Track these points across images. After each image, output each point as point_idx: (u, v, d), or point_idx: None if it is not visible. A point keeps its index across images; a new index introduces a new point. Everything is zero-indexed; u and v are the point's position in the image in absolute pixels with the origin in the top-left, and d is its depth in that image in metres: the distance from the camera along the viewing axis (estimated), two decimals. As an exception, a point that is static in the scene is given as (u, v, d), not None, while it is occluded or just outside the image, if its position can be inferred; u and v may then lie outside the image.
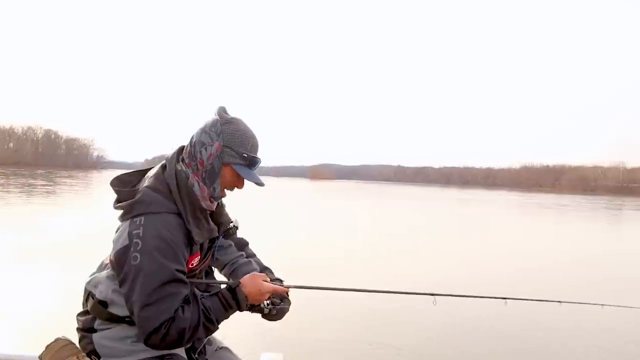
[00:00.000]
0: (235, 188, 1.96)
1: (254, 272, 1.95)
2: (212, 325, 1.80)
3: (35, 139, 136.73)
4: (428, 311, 6.32)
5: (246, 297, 1.84)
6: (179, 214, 1.82)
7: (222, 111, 1.90)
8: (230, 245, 2.26)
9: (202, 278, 2.05)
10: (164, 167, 1.91)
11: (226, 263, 2.25)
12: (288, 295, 2.05)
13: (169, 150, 1.97)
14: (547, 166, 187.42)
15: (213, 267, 2.20)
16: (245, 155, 1.89)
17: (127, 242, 1.73)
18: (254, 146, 1.92)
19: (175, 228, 1.78)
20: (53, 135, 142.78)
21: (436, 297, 2.20)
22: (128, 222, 1.78)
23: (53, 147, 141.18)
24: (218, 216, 2.07)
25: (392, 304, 6.71)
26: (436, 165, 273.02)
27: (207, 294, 1.89)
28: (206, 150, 1.85)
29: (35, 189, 30.70)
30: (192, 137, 1.89)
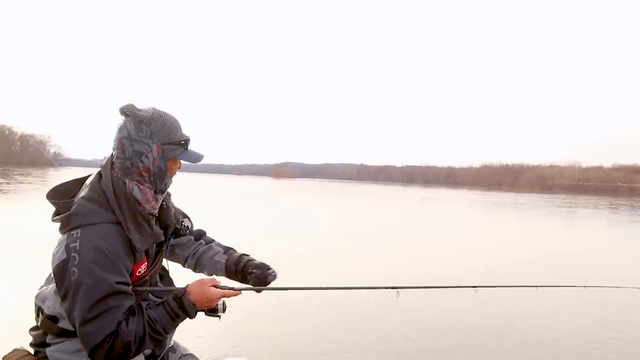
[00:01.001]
0: (177, 170, 1.98)
1: (202, 278, 1.91)
2: (159, 335, 1.76)
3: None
4: (394, 305, 6.26)
5: (194, 304, 1.81)
6: (118, 223, 1.77)
7: (134, 109, 1.84)
8: (190, 239, 2.26)
9: (155, 283, 2.02)
10: (100, 175, 1.86)
11: (187, 256, 2.26)
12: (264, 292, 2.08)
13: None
14: (507, 165, 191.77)
15: (168, 269, 2.17)
16: (183, 141, 1.91)
17: (64, 256, 1.69)
18: (180, 127, 1.92)
19: (113, 238, 1.74)
20: (7, 132, 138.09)
21: (399, 289, 2.19)
22: (66, 235, 1.74)
23: (7, 144, 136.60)
24: (164, 219, 2.04)
25: (357, 300, 6.66)
26: (398, 164, 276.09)
27: (155, 302, 1.86)
28: (147, 157, 1.82)
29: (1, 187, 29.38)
30: (121, 150, 1.82)
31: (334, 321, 5.88)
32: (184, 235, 2.23)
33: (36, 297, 1.89)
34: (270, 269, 2.14)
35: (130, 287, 1.78)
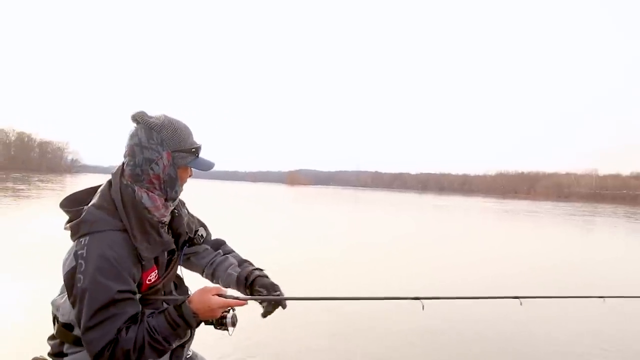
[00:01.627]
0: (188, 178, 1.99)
1: (205, 287, 1.85)
2: (159, 345, 1.73)
3: (7, 141, 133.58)
4: (414, 316, 6.19)
5: (194, 313, 1.76)
6: (126, 231, 1.78)
7: (145, 117, 1.85)
8: (206, 249, 2.26)
9: (170, 292, 2.03)
10: (110, 183, 1.88)
11: (204, 266, 2.25)
12: (265, 303, 2.02)
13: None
14: (522, 173, 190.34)
15: (182, 277, 2.17)
16: (194, 149, 1.91)
17: (73, 263, 1.72)
18: (191, 133, 1.94)
19: (120, 246, 1.74)
20: (26, 138, 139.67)
21: (423, 300, 2.13)
22: (75, 242, 1.76)
23: (26, 150, 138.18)
24: (176, 227, 2.04)
25: (373, 311, 6.53)
26: (413, 172, 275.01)
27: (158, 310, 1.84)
28: (158, 164, 1.83)
29: (20, 192, 29.75)
30: (131, 157, 1.84)
31: (348, 330, 5.79)
32: (199, 244, 2.22)
33: (52, 304, 1.91)
34: (277, 290, 2.08)
35: (138, 295, 1.80)
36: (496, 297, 2.53)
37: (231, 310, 1.88)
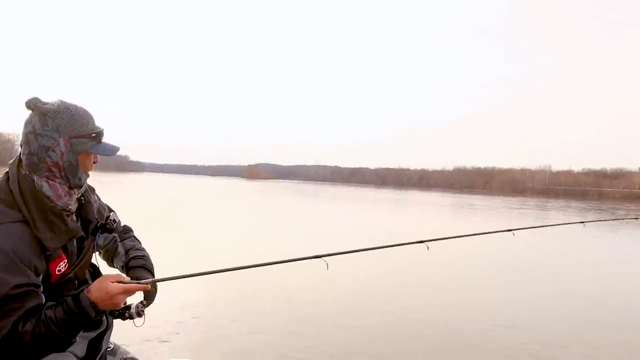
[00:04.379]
0: (93, 164, 1.95)
1: (106, 274, 1.88)
2: (56, 336, 1.70)
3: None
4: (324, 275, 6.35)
5: (93, 303, 1.73)
6: (26, 222, 1.74)
7: (39, 103, 1.81)
8: (114, 236, 2.24)
9: (85, 281, 2.00)
10: (7, 174, 1.85)
11: (105, 252, 2.25)
12: (155, 290, 2.02)
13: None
14: (479, 168, 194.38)
15: (98, 265, 2.14)
16: (94, 134, 1.88)
17: None
18: (91, 119, 1.90)
19: (19, 238, 1.71)
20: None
21: (326, 258, 2.38)
22: None
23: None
24: (85, 213, 2.00)
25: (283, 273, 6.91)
26: (372, 166, 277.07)
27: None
28: (54, 152, 1.80)
29: None
30: (27, 146, 1.80)
31: (276, 312, 6.35)
32: (112, 229, 2.15)
33: None
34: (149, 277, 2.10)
35: (41, 288, 1.74)
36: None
37: (136, 300, 1.89)
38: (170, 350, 4.78)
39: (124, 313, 1.85)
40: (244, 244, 12.16)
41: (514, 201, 65.55)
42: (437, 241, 2.98)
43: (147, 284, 1.84)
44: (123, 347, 2.24)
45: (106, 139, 1.96)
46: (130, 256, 2.22)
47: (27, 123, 1.80)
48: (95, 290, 1.73)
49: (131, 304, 1.85)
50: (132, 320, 1.89)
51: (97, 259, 2.15)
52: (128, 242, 2.29)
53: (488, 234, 3.14)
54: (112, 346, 2.15)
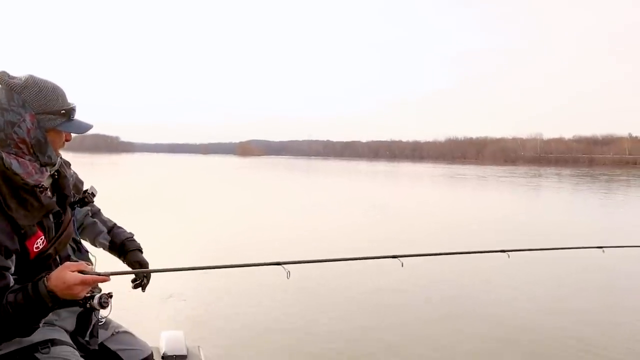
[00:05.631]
0: (66, 142, 1.92)
1: (67, 262, 1.77)
2: (16, 322, 1.66)
3: None
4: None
5: (52, 291, 1.65)
6: None
7: (6, 77, 1.76)
8: (88, 210, 2.25)
9: (67, 256, 1.99)
10: None
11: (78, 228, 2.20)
12: (147, 280, 2.18)
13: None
14: (471, 138, 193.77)
15: (79, 239, 2.13)
16: (63, 110, 1.83)
17: None
18: (62, 95, 1.85)
19: None
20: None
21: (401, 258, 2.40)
22: None
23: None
24: (61, 188, 1.97)
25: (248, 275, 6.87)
26: (364, 139, 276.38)
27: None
28: (20, 127, 1.76)
29: None
30: None
31: (262, 294, 6.25)
32: (90, 202, 2.18)
33: None
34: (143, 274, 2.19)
35: (11, 269, 1.71)
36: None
37: (100, 291, 1.83)
38: (162, 323, 4.84)
39: (85, 304, 1.78)
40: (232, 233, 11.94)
41: (503, 170, 65.99)
42: (413, 257, 2.60)
43: (106, 275, 1.75)
44: (115, 320, 2.22)
45: (92, 118, 1.88)
46: (123, 237, 2.25)
47: None
48: (54, 279, 1.66)
49: (94, 294, 1.78)
50: (95, 311, 1.87)
51: (77, 234, 2.12)
52: (108, 220, 2.30)
53: (479, 254, 2.90)
54: (103, 320, 2.14)
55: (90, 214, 2.25)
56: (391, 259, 2.47)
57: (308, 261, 2.29)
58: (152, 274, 2.15)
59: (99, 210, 2.36)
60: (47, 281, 1.64)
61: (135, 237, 2.32)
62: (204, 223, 12.59)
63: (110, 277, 1.75)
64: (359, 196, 22.97)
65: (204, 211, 15.36)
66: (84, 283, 1.66)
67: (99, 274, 1.72)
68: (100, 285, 1.83)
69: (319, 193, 25.12)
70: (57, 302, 1.67)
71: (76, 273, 1.66)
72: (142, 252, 2.27)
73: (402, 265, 2.43)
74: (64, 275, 1.64)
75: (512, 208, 19.57)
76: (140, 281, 2.17)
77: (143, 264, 2.22)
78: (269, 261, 2.08)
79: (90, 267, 1.75)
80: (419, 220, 14.34)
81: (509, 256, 2.86)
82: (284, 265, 2.06)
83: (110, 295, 1.82)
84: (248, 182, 34.88)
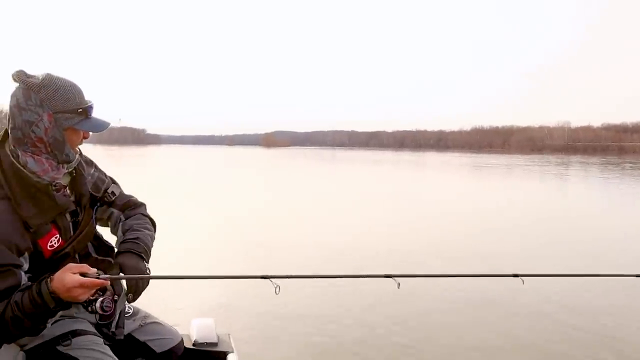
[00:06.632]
0: (84, 140, 1.90)
1: (70, 264, 1.72)
2: (22, 322, 1.63)
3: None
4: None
5: (54, 293, 1.63)
6: (9, 198, 1.70)
7: (23, 76, 1.74)
8: (112, 211, 2.16)
9: (87, 254, 1.97)
10: None
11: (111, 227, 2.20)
12: (119, 288, 1.93)
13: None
14: (497, 127, 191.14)
15: (101, 236, 2.09)
16: (80, 109, 1.80)
17: None
18: (79, 93, 1.82)
19: (0, 216, 1.67)
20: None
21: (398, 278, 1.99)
22: None
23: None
24: (78, 187, 1.94)
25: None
26: (389, 129, 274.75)
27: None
28: (38, 127, 1.73)
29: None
30: (11, 120, 1.75)
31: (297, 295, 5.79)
32: (110, 202, 2.12)
33: None
34: (140, 271, 1.94)
35: (23, 266, 1.71)
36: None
37: (103, 295, 1.77)
38: (193, 311, 4.82)
39: (87, 307, 1.75)
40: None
41: (530, 159, 64.82)
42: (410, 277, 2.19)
43: (105, 279, 1.72)
44: (143, 310, 2.20)
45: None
46: (122, 239, 2.08)
47: (12, 96, 1.75)
48: (56, 281, 1.64)
49: (97, 298, 1.74)
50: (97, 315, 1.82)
51: (98, 231, 2.11)
52: (129, 222, 2.15)
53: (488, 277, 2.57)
54: (131, 310, 2.13)
55: (122, 218, 2.17)
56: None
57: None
58: (153, 281, 1.95)
59: (140, 204, 2.26)
60: (50, 282, 1.64)
61: (139, 238, 2.07)
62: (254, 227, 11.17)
63: (109, 281, 1.74)
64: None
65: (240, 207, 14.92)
66: (82, 286, 1.64)
67: (97, 278, 1.69)
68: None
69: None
70: (61, 304, 1.66)
71: (76, 275, 1.65)
72: (139, 256, 2.00)
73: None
74: (64, 278, 1.63)
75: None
76: (132, 289, 1.91)
77: (125, 268, 1.91)
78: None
79: (94, 270, 1.71)
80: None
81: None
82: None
83: (114, 300, 1.81)
84: (297, 175, 34.34)
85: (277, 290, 1.83)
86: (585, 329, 5.02)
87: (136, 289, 1.89)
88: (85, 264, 1.75)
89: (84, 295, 1.66)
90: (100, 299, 1.74)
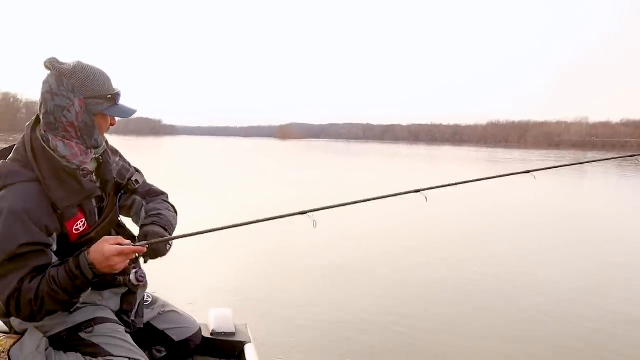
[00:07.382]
0: (111, 126, 1.95)
1: (106, 236, 1.81)
2: (58, 295, 1.70)
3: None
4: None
5: (92, 264, 1.70)
6: (39, 181, 1.76)
7: (56, 63, 1.80)
8: (135, 198, 2.19)
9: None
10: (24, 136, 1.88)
11: (132, 215, 2.23)
12: (163, 249, 1.94)
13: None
14: (513, 122, 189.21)
15: (124, 224, 2.15)
16: (109, 95, 1.86)
17: None
18: (108, 81, 1.88)
19: (31, 197, 1.73)
20: (12, 99, 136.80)
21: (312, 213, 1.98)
22: None
23: (12, 111, 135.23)
24: (103, 173, 1.98)
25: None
26: (404, 123, 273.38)
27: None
28: (70, 112, 1.78)
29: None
30: (44, 105, 1.80)
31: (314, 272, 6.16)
32: (134, 190, 2.15)
33: None
34: (164, 244, 1.96)
35: (52, 247, 1.78)
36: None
37: (138, 267, 1.87)
38: (211, 301, 4.91)
39: (120, 278, 1.83)
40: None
41: (546, 154, 64.45)
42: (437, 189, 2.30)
43: (143, 245, 1.80)
44: (162, 299, 2.26)
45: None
46: (145, 217, 2.14)
47: (44, 82, 1.80)
48: (93, 252, 1.71)
49: (130, 269, 1.83)
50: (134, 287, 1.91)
51: (121, 218, 2.16)
52: (151, 205, 2.20)
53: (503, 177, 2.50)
54: (150, 299, 2.19)
55: (144, 203, 2.21)
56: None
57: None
58: (176, 243, 1.98)
59: (162, 192, 2.30)
60: (87, 254, 1.71)
61: (162, 214, 2.13)
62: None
63: (146, 247, 1.81)
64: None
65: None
66: (121, 254, 1.72)
67: (134, 245, 1.77)
68: (143, 266, 1.95)
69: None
70: (98, 276, 1.73)
71: (111, 245, 1.72)
72: (162, 228, 2.05)
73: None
74: (103, 248, 1.70)
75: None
76: (150, 253, 1.91)
77: (150, 235, 1.97)
78: (295, 211, 1.99)
79: (128, 241, 1.78)
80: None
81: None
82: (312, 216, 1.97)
83: (142, 272, 1.87)
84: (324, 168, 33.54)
85: (315, 224, 1.88)
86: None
87: (156, 252, 1.91)
88: (119, 236, 1.85)
89: (122, 264, 1.73)
90: (134, 270, 1.84)
